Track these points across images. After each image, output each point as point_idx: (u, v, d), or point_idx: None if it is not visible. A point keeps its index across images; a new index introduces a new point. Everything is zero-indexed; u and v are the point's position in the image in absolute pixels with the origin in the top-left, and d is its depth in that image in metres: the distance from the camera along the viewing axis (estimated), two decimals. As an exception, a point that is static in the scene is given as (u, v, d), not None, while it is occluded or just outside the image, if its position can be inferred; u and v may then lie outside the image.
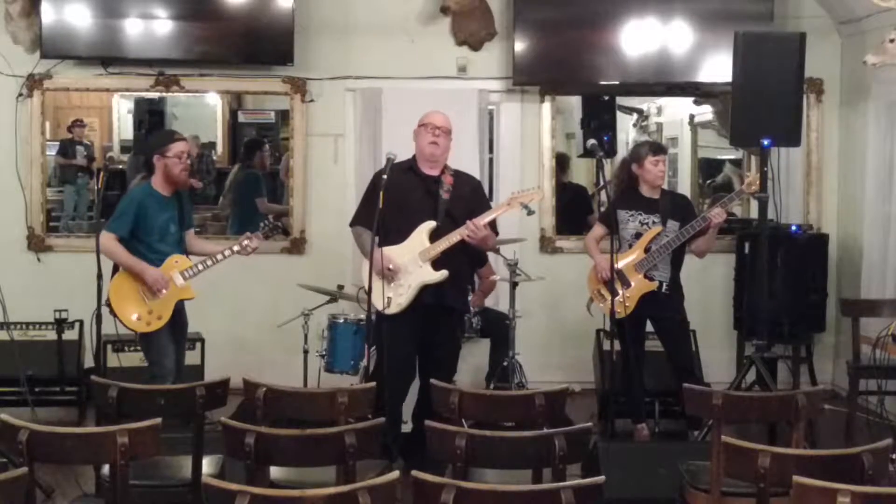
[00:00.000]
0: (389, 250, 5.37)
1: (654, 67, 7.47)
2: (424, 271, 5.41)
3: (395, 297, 5.41)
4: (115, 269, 5.63)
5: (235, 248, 5.65)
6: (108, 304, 5.55)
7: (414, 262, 5.40)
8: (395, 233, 5.43)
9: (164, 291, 5.48)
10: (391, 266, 5.34)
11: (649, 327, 6.15)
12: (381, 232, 5.32)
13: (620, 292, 5.81)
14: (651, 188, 6.04)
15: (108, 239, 5.53)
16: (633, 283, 5.93)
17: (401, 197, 5.41)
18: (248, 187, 8.50)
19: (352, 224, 5.67)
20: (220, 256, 5.63)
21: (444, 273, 5.40)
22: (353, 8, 7.53)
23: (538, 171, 7.63)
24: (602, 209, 7.00)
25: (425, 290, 5.41)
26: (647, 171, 6.00)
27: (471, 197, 5.60)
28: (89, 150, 10.26)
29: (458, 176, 5.62)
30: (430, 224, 5.44)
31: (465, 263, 5.66)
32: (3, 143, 7.38)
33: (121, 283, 5.53)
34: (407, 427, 5.74)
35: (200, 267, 5.61)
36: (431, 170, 5.55)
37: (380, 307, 5.38)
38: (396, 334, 5.44)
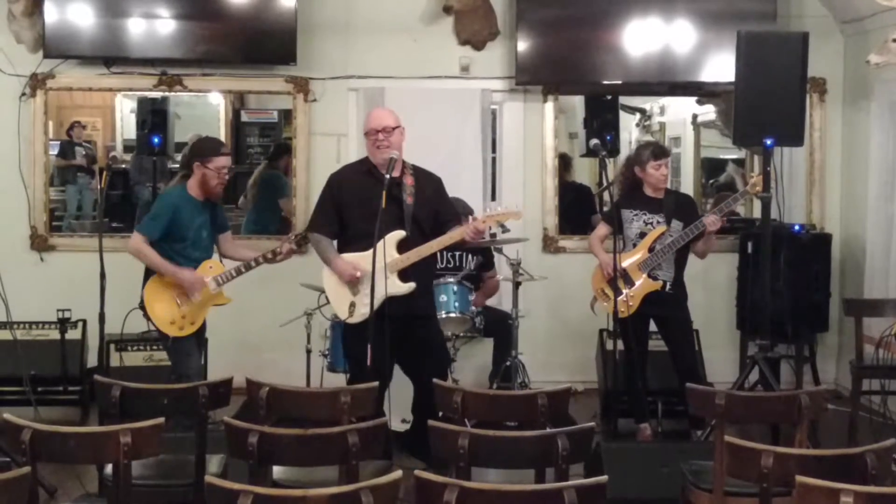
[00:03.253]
0: (355, 257, 5.21)
1: (657, 67, 7.47)
2: (391, 283, 5.16)
3: (359, 307, 5.21)
4: (146, 273, 5.63)
5: (269, 254, 5.63)
6: (142, 308, 5.59)
7: (380, 271, 5.04)
8: (358, 240, 5.21)
9: (197, 295, 5.52)
10: (358, 273, 5.17)
11: (652, 327, 6.15)
12: (342, 238, 5.29)
13: (624, 292, 5.82)
14: (654, 189, 6.04)
15: (137, 240, 5.54)
16: (636, 283, 5.93)
17: (363, 202, 5.18)
18: (272, 187, 8.46)
19: (308, 230, 5.52)
20: (252, 263, 5.63)
21: (411, 285, 5.19)
22: (356, 7, 7.54)
23: (541, 170, 7.64)
24: (606, 209, 7.00)
25: (392, 301, 5.16)
26: (649, 174, 6.00)
27: (434, 197, 5.38)
28: (90, 150, 10.26)
29: (419, 175, 5.37)
30: (399, 234, 5.22)
31: (429, 268, 5.44)
32: (5, 142, 7.39)
33: (156, 288, 5.56)
34: (402, 427, 5.78)
35: (234, 273, 5.63)
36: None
37: (343, 316, 5.27)
38: (365, 342, 5.08)
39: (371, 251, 5.02)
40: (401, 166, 5.30)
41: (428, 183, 5.39)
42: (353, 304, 5.22)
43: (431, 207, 5.33)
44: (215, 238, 5.76)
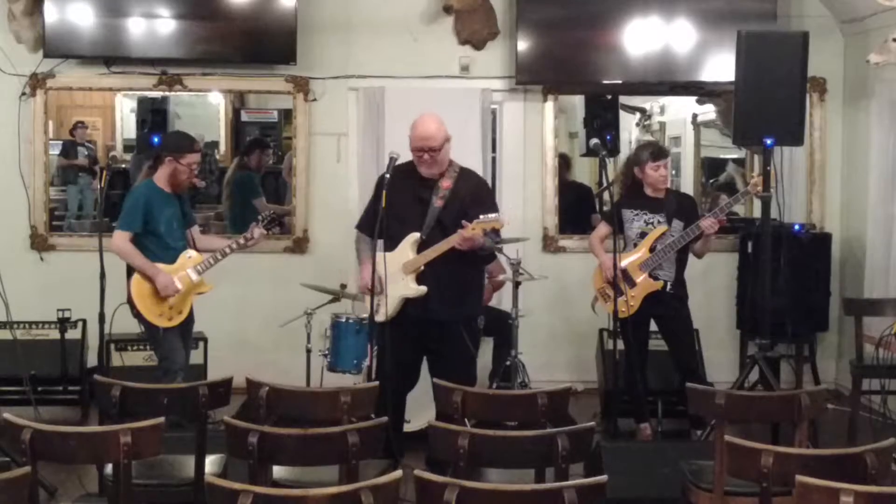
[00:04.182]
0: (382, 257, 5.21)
1: (657, 66, 7.47)
2: (405, 284, 5.22)
3: (383, 306, 5.26)
4: (129, 267, 5.68)
5: (241, 240, 5.81)
6: (130, 302, 5.62)
7: (398, 273, 5.21)
8: (389, 240, 5.26)
9: (179, 284, 5.61)
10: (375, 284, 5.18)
11: (653, 327, 6.15)
12: (382, 236, 5.30)
13: (625, 291, 5.81)
14: (655, 189, 6.05)
15: (122, 239, 5.60)
16: (637, 283, 5.93)
17: (395, 202, 5.17)
18: (243, 189, 8.48)
19: (357, 227, 5.58)
20: (227, 250, 5.78)
21: (422, 289, 5.20)
22: (356, 7, 7.54)
23: (541, 170, 7.64)
24: (606, 208, 7.00)
25: (410, 303, 5.22)
26: (648, 175, 6.01)
27: (469, 199, 5.29)
28: (91, 151, 10.26)
29: (461, 177, 5.35)
30: (415, 236, 5.25)
31: (455, 273, 5.29)
32: (6, 142, 7.39)
33: (141, 281, 5.62)
34: (408, 427, 5.75)
35: (211, 261, 5.76)
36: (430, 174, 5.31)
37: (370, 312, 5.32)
38: (393, 340, 5.24)
39: (393, 252, 5.22)
40: (444, 167, 5.32)
41: (465, 185, 5.35)
42: (378, 304, 5.28)
43: (462, 211, 5.25)
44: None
